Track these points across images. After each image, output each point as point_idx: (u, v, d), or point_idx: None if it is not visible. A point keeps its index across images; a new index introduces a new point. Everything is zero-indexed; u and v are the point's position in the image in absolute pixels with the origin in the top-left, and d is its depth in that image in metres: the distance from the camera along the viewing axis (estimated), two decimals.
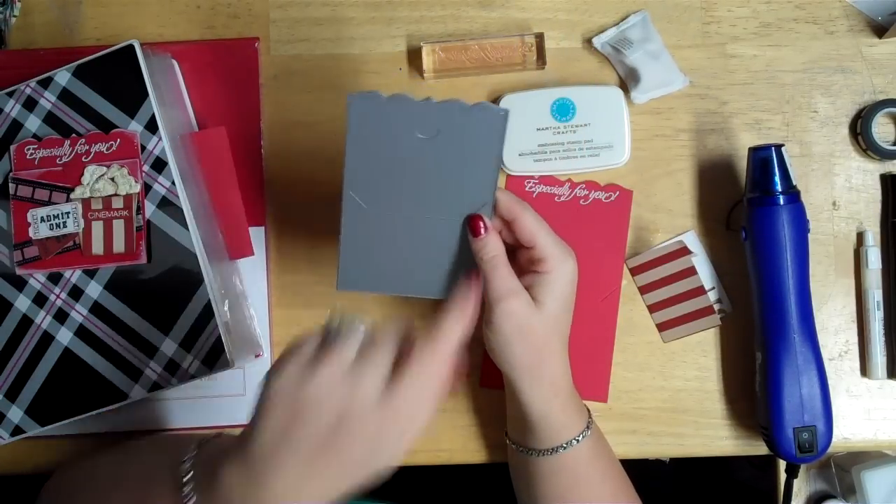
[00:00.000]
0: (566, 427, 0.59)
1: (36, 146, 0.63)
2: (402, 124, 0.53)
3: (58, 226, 0.63)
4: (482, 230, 0.55)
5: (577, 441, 0.58)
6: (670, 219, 0.69)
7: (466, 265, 0.56)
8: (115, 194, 0.63)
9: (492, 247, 0.55)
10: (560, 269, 0.56)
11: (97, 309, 0.63)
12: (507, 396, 0.63)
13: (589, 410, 0.62)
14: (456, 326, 0.51)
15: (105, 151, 0.63)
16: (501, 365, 0.58)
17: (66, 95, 0.64)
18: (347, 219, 0.55)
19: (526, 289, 0.56)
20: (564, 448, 0.58)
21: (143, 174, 0.63)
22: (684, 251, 0.65)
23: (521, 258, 0.58)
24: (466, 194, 0.55)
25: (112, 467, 0.60)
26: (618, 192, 0.68)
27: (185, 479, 0.49)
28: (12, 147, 0.64)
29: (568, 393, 0.59)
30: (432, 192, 0.55)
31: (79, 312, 0.63)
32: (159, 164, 0.62)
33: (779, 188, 0.63)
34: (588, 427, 0.60)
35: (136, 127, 0.63)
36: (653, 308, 0.68)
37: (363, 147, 0.54)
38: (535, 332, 0.56)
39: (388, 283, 0.57)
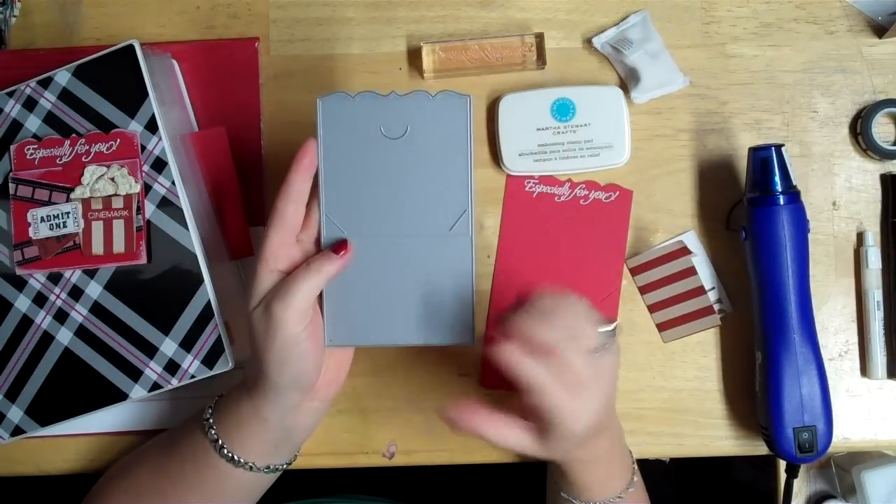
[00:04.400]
0: (609, 485, 0.58)
1: (36, 146, 0.63)
2: (371, 121, 0.55)
3: (58, 226, 0.63)
4: (460, 423, 0.52)
5: (619, 498, 0.58)
6: (670, 219, 0.69)
7: (456, 289, 0.55)
8: (115, 194, 0.63)
9: (481, 431, 0.52)
10: (546, 399, 0.50)
11: (97, 309, 0.63)
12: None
13: (634, 461, 0.61)
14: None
15: (105, 151, 0.63)
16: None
17: (66, 95, 0.64)
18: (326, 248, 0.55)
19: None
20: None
21: (143, 174, 0.63)
22: (684, 251, 0.65)
23: None
24: (445, 199, 0.55)
25: (157, 447, 0.63)
26: (618, 192, 0.68)
27: (206, 416, 0.59)
28: (12, 147, 0.64)
29: (612, 455, 0.58)
30: (410, 200, 0.55)
31: (79, 312, 0.63)
32: (159, 164, 0.62)
33: (779, 188, 0.63)
34: (630, 484, 0.59)
35: (136, 127, 0.63)
36: (653, 308, 0.68)
37: (336, 150, 0.55)
38: (567, 450, 0.54)
39: (382, 333, 0.56)
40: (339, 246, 0.54)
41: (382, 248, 0.55)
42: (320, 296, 0.55)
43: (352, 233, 0.55)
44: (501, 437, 0.52)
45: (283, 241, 0.54)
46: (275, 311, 0.52)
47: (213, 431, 0.58)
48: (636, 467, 0.61)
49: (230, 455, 0.57)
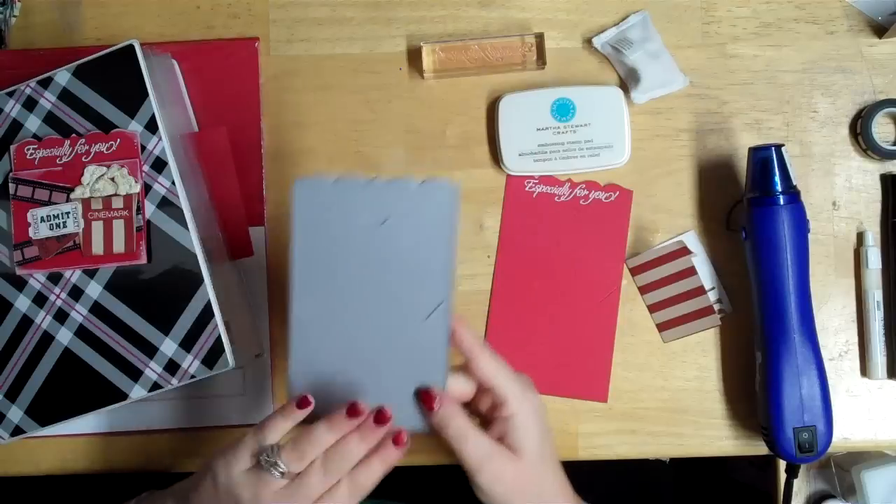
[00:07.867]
0: None
1: (36, 146, 0.63)
2: (350, 208, 0.52)
3: (58, 226, 0.63)
4: (435, 404, 0.53)
5: None
6: (670, 219, 0.69)
7: (429, 378, 0.53)
8: (115, 194, 0.63)
9: (452, 418, 0.53)
10: (524, 406, 0.55)
11: (97, 309, 0.63)
12: None
13: None
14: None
15: (105, 151, 0.63)
16: None
17: (66, 95, 0.64)
18: (297, 332, 0.53)
19: (500, 439, 0.55)
20: None
21: (143, 174, 0.63)
22: (684, 251, 0.65)
23: (483, 404, 0.57)
24: (424, 288, 0.53)
25: None
26: (618, 192, 0.68)
27: None
28: (12, 147, 0.64)
29: None
30: (386, 288, 0.53)
31: (79, 312, 0.63)
32: (159, 164, 0.62)
33: (779, 188, 0.63)
34: None
35: (136, 127, 0.63)
36: (653, 308, 0.68)
37: (313, 236, 0.53)
38: (527, 481, 0.55)
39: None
40: (302, 401, 0.52)
41: (355, 336, 0.53)
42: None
43: (324, 324, 0.53)
44: (463, 432, 0.53)
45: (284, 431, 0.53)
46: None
47: None
48: None
49: None
